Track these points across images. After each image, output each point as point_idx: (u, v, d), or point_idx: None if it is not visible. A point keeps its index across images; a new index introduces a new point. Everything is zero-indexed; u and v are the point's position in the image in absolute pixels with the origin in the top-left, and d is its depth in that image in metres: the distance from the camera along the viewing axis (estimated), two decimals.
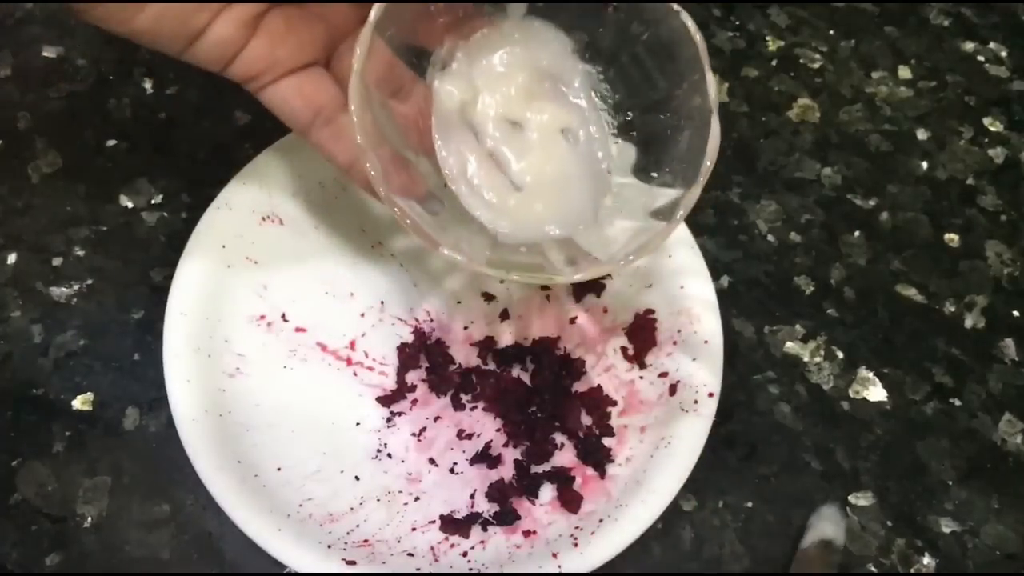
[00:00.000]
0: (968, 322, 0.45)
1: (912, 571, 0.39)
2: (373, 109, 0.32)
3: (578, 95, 0.35)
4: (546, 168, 0.34)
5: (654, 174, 0.35)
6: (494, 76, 0.34)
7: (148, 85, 0.49)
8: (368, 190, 0.33)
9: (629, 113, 0.36)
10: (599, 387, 0.40)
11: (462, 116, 0.35)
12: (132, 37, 0.31)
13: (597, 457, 0.38)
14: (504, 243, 0.34)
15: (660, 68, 0.34)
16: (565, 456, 0.39)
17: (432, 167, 0.34)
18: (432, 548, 0.36)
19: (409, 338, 0.42)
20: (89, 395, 0.40)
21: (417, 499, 0.37)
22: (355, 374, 0.41)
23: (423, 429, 0.39)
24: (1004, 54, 0.55)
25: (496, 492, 0.38)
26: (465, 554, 0.35)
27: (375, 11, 0.30)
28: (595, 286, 0.42)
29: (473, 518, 0.37)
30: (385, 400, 0.40)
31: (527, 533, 0.36)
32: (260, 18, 0.32)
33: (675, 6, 0.32)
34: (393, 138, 0.33)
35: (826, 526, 0.38)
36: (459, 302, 0.43)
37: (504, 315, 0.42)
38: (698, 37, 0.32)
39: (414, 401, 0.40)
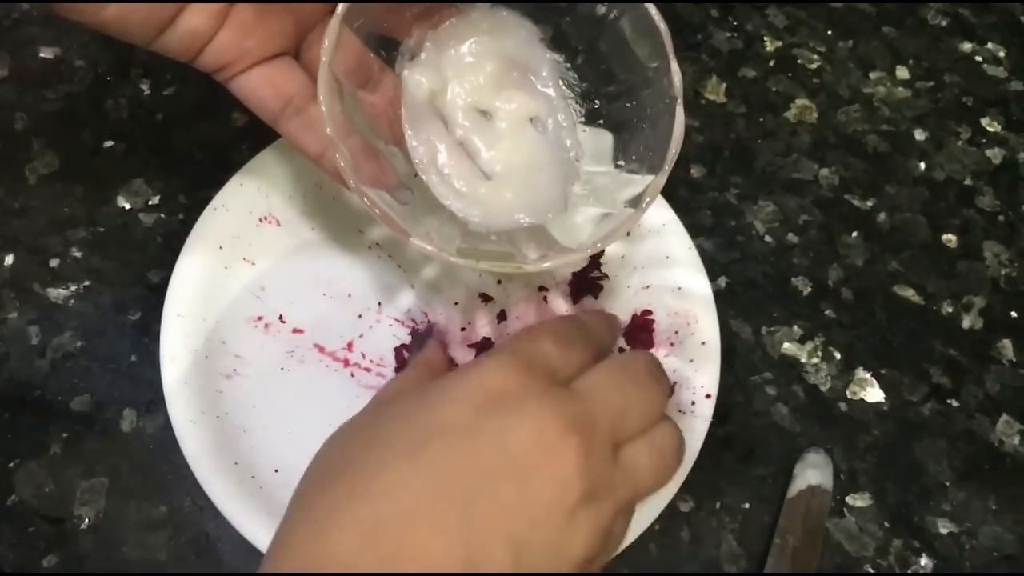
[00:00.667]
0: (966, 323, 0.45)
1: (909, 572, 0.39)
2: (342, 99, 0.32)
3: (546, 84, 0.35)
4: (515, 157, 0.34)
5: (621, 162, 0.36)
6: (463, 65, 0.34)
7: (145, 86, 0.49)
8: (339, 180, 0.33)
9: (596, 101, 0.36)
10: None
11: (431, 105, 0.35)
12: (101, 28, 0.30)
13: None
14: (475, 232, 0.34)
15: (626, 57, 0.35)
16: None
17: (402, 156, 0.35)
18: None
19: (407, 339, 0.42)
20: (86, 397, 0.40)
21: None
22: (352, 375, 0.41)
23: None
24: (1002, 54, 0.55)
25: None
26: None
27: (342, 3, 0.30)
28: (592, 287, 0.42)
29: None
30: None
31: None
32: (229, 8, 0.32)
33: None
34: (363, 128, 0.33)
35: (811, 473, 0.39)
36: (456, 303, 0.43)
37: (501, 316, 0.42)
38: (662, 26, 0.32)
39: None
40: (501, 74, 0.34)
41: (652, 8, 0.33)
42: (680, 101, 0.33)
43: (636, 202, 0.33)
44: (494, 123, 0.34)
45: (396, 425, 0.28)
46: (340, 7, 0.31)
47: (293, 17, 0.34)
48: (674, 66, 0.33)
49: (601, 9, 0.34)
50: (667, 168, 0.33)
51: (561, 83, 0.36)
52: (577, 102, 0.36)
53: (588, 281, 0.42)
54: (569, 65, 0.36)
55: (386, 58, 0.35)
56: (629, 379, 0.29)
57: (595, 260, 0.42)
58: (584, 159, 0.36)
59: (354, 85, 0.34)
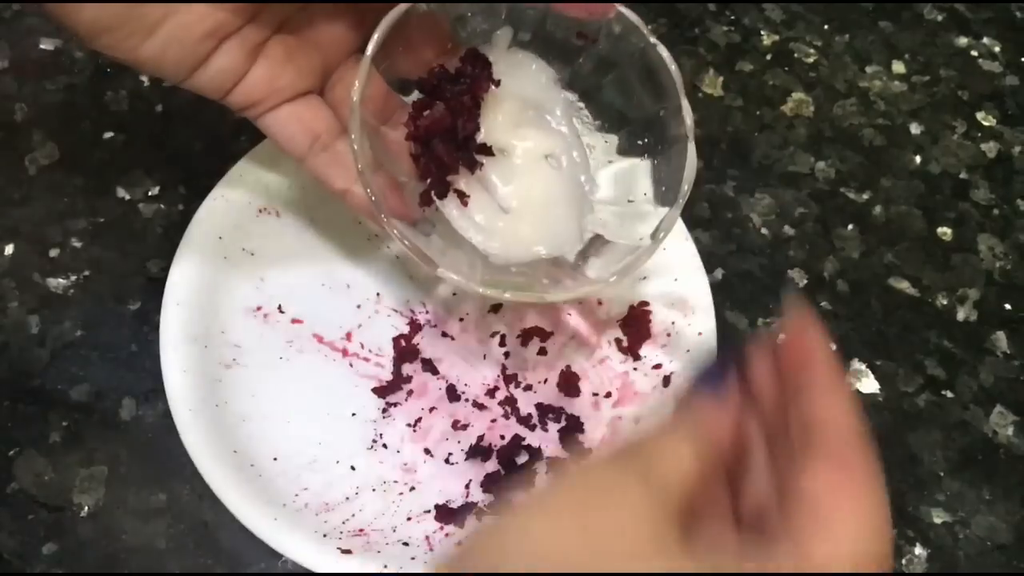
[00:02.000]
0: (960, 315, 0.46)
1: (903, 561, 0.39)
2: (369, 136, 0.33)
3: (560, 122, 0.36)
4: (532, 192, 0.35)
5: (634, 197, 0.37)
6: (481, 105, 0.35)
7: (145, 78, 0.49)
8: (365, 213, 0.35)
9: (608, 139, 0.38)
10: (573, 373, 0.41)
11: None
12: (136, 65, 0.31)
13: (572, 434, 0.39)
14: (495, 263, 0.35)
15: (638, 97, 0.36)
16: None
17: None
18: (427, 537, 0.36)
19: (405, 330, 0.42)
20: (86, 385, 0.40)
21: (412, 489, 0.38)
22: (351, 365, 0.41)
23: (418, 420, 0.40)
24: (997, 49, 0.55)
25: (490, 482, 0.38)
26: (460, 543, 0.36)
27: (372, 45, 0.32)
28: None
29: (468, 508, 0.37)
30: (381, 391, 0.40)
31: None
32: (261, 47, 0.33)
33: (652, 39, 0.34)
34: (386, 163, 0.34)
35: None
36: (454, 294, 0.43)
37: (498, 307, 0.43)
38: (673, 67, 0.34)
39: (410, 392, 0.40)
40: (517, 113, 0.36)
41: (663, 49, 0.34)
42: (692, 139, 0.34)
43: (650, 235, 0.34)
44: (511, 160, 0.35)
45: None
46: (369, 49, 0.32)
47: (321, 56, 0.35)
48: (685, 105, 0.34)
49: (613, 51, 0.36)
50: (681, 202, 0.34)
51: (575, 121, 0.37)
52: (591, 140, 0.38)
53: None
54: (583, 104, 0.38)
55: (406, 96, 0.36)
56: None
57: None
58: (599, 194, 0.37)
59: (379, 122, 0.35)
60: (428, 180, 0.34)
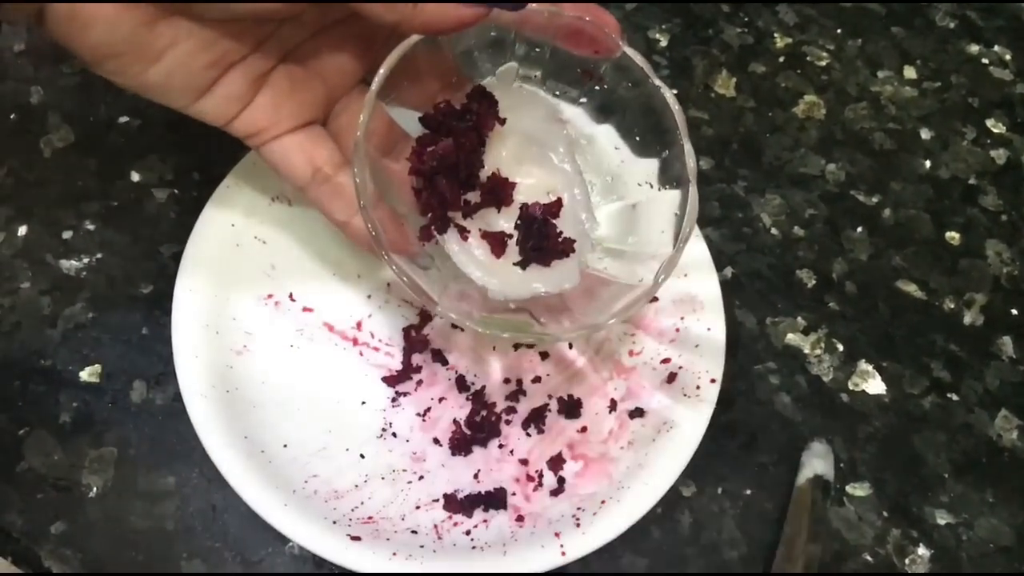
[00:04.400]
0: (967, 319, 0.46)
1: (907, 562, 0.39)
2: (371, 168, 0.33)
3: (563, 159, 0.37)
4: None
5: (635, 237, 0.37)
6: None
7: None
8: (364, 246, 0.34)
9: (610, 177, 0.38)
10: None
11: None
12: (140, 91, 0.31)
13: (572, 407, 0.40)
14: (494, 299, 0.35)
15: (642, 137, 0.36)
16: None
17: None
18: (435, 526, 0.36)
19: (415, 320, 0.42)
20: (97, 367, 0.40)
21: (421, 478, 0.38)
22: (361, 354, 0.41)
23: (428, 409, 0.40)
24: (1008, 57, 0.55)
25: (498, 472, 0.38)
26: (468, 532, 0.36)
27: (377, 81, 0.32)
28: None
29: (476, 497, 0.37)
30: (391, 380, 0.40)
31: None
32: (266, 76, 0.33)
33: (656, 80, 0.34)
34: (388, 195, 0.34)
35: (817, 462, 0.39)
36: None
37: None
38: (676, 108, 0.34)
39: (419, 382, 0.41)
40: (521, 149, 0.36)
41: (667, 91, 0.34)
42: (694, 183, 0.34)
43: (650, 276, 0.34)
44: (513, 195, 0.35)
45: None
46: (375, 85, 0.32)
47: (325, 87, 0.34)
48: (688, 148, 0.34)
49: (618, 89, 0.36)
50: (682, 245, 0.34)
51: (577, 159, 0.37)
52: (593, 177, 0.38)
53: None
54: (585, 142, 0.38)
55: (411, 127, 0.36)
56: None
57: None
58: (599, 232, 0.37)
59: (381, 155, 0.35)
60: (429, 215, 0.34)
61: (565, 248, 0.35)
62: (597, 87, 0.37)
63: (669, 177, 0.35)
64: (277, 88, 0.33)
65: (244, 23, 0.31)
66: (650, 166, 0.36)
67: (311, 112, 0.34)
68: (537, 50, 0.36)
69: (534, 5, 0.32)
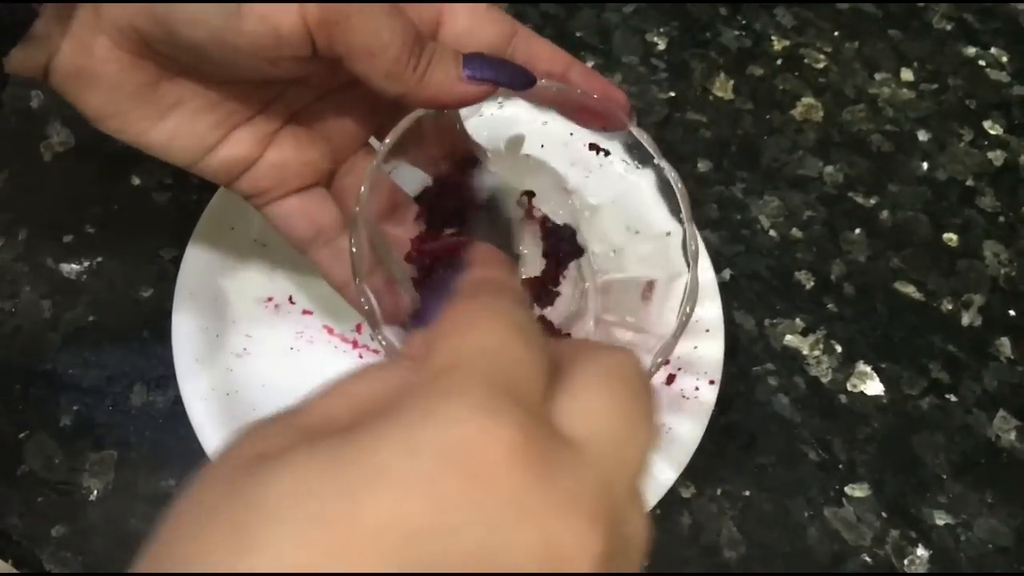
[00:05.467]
0: (965, 320, 0.46)
1: (905, 562, 0.39)
2: (369, 235, 0.33)
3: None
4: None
5: (633, 316, 0.37)
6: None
7: None
8: (359, 310, 0.34)
9: (613, 251, 0.38)
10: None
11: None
12: (144, 149, 0.31)
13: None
14: None
15: (645, 214, 0.36)
16: None
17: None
18: None
19: None
20: (97, 371, 0.40)
21: None
22: (361, 357, 0.41)
23: None
24: (1005, 59, 0.56)
25: None
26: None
27: (379, 154, 0.32)
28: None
29: None
30: None
31: None
32: (271, 137, 0.33)
33: (662, 161, 0.34)
34: (385, 259, 0.34)
35: None
36: None
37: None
38: (679, 187, 0.34)
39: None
40: (524, 216, 0.36)
41: (671, 171, 0.34)
42: (696, 265, 0.33)
43: (648, 360, 0.33)
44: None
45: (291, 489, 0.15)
46: (377, 158, 0.32)
47: (329, 150, 0.34)
48: (690, 231, 0.34)
49: (623, 167, 0.36)
50: (679, 332, 0.32)
51: (582, 228, 0.38)
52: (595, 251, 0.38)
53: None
54: (589, 213, 0.38)
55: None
56: (631, 402, 0.18)
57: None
58: (600, 308, 0.38)
59: (381, 220, 0.35)
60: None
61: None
62: (604, 165, 0.37)
63: (673, 257, 0.35)
64: (282, 149, 0.33)
65: (250, 84, 0.31)
66: (653, 245, 0.36)
67: (315, 174, 0.34)
68: (545, 123, 0.36)
69: (543, 81, 0.32)
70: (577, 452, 0.17)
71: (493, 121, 0.38)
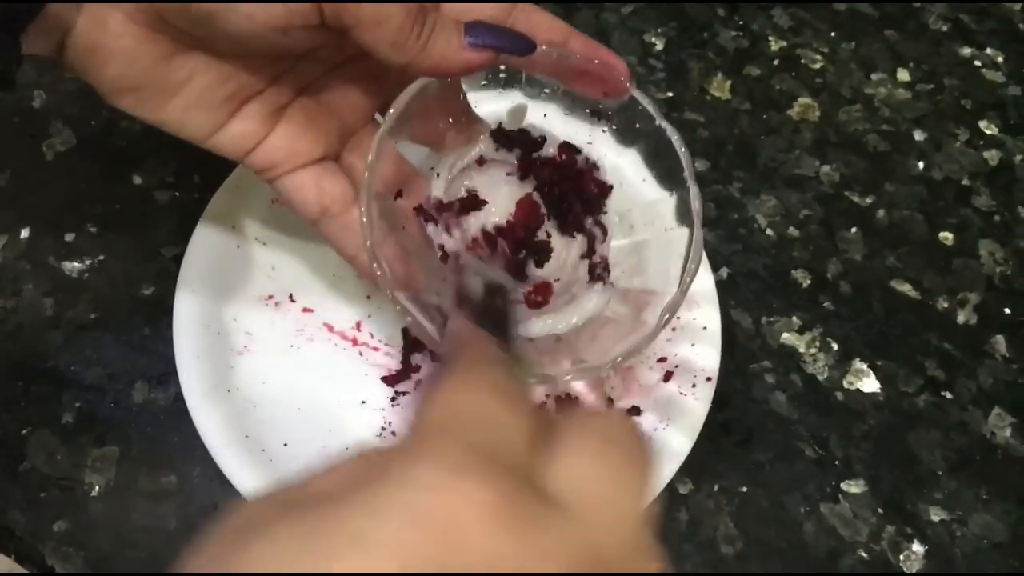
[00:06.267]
0: (960, 318, 0.46)
1: (901, 558, 0.40)
2: (380, 206, 0.33)
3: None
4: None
5: (640, 277, 0.37)
6: (494, 184, 0.36)
7: None
8: (372, 280, 0.34)
9: (617, 216, 0.38)
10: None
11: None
12: (158, 124, 0.32)
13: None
14: None
15: (649, 178, 0.37)
16: None
17: (431, 259, 0.36)
18: None
19: None
20: (99, 368, 0.41)
21: None
22: (360, 354, 0.41)
23: None
24: (1000, 60, 0.56)
25: None
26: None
27: (387, 121, 0.33)
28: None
29: None
30: (390, 380, 0.41)
31: None
32: (282, 111, 0.33)
33: (663, 122, 0.35)
34: (395, 231, 0.35)
35: None
36: None
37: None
38: (683, 150, 0.35)
39: (419, 381, 0.41)
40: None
41: (673, 133, 0.35)
42: (699, 225, 0.34)
43: (655, 317, 0.34)
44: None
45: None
46: (384, 124, 0.33)
47: (339, 123, 0.35)
48: (693, 190, 0.34)
49: (626, 131, 0.37)
50: (685, 287, 0.33)
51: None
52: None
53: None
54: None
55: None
56: (624, 462, 0.18)
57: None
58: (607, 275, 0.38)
59: (390, 193, 0.35)
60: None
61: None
62: (605, 128, 0.37)
63: (675, 217, 0.36)
64: (293, 123, 0.33)
65: (261, 58, 0.31)
66: (657, 207, 0.37)
67: (325, 147, 0.35)
68: (547, 90, 0.37)
69: (543, 47, 0.32)
70: (560, 511, 0.16)
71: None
